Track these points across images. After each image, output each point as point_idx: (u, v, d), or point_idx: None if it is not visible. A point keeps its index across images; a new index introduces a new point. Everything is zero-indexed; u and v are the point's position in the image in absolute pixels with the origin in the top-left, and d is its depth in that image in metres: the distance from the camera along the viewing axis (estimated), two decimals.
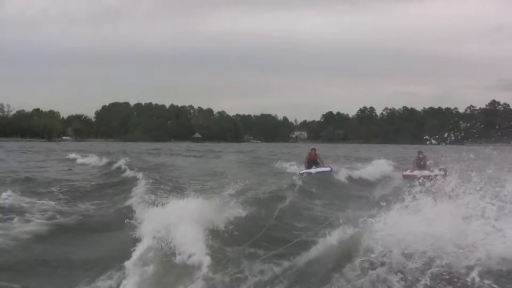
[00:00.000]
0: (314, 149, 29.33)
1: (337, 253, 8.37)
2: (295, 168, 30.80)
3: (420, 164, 27.87)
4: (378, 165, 32.16)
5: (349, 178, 25.96)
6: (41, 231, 11.14)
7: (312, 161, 28.48)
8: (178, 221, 8.97)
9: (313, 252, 8.88)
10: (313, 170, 27.22)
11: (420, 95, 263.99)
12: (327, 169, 27.81)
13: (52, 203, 14.32)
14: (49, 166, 34.20)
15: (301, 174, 26.58)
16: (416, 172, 25.59)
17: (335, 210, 13.66)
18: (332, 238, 9.17)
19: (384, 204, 8.68)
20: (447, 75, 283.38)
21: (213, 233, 9.16)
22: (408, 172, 27.56)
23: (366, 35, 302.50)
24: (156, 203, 11.57)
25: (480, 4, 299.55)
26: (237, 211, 11.49)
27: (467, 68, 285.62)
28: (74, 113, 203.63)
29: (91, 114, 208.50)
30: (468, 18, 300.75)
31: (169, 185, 18.88)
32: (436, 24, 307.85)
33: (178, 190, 17.55)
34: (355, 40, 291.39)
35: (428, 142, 26.73)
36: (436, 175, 23.00)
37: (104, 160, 35.63)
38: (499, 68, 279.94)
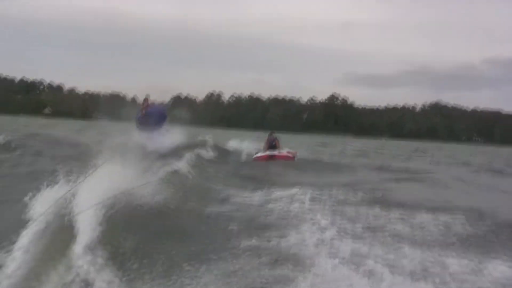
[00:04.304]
0: None
1: None
2: None
3: (272, 144, 27.97)
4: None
5: None
6: None
7: None
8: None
9: None
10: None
11: (266, 84, 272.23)
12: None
13: None
14: None
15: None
16: (267, 153, 26.95)
17: None
18: None
19: None
20: (294, 66, 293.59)
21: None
22: (258, 154, 27.47)
23: (215, 22, 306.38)
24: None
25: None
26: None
27: (314, 60, 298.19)
28: None
29: None
30: (319, 12, 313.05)
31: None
32: (285, 15, 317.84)
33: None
34: (203, 26, 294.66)
35: (271, 132, 31.31)
36: (285, 155, 26.41)
37: None
38: (345, 63, 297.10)
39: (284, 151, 27.53)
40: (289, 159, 26.96)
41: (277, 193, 14.71)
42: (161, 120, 26.79)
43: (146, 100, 27.30)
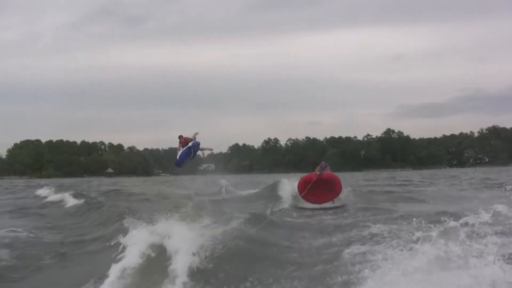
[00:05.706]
0: None
1: None
2: None
3: (322, 169, 28.46)
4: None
5: None
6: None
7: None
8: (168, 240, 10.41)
9: None
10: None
11: (322, 124, 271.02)
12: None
13: None
14: None
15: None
16: (316, 172, 27.63)
17: None
18: None
19: None
20: (347, 104, 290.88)
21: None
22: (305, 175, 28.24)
23: (267, 66, 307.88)
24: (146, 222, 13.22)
25: (378, 33, 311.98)
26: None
27: (367, 96, 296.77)
28: None
29: (2, 152, 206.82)
30: (368, 47, 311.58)
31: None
32: (335, 53, 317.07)
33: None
34: (256, 72, 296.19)
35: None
36: (331, 175, 27.17)
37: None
38: (399, 96, 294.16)
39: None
40: (334, 180, 27.88)
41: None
42: (197, 150, 29.20)
43: (182, 137, 29.54)
